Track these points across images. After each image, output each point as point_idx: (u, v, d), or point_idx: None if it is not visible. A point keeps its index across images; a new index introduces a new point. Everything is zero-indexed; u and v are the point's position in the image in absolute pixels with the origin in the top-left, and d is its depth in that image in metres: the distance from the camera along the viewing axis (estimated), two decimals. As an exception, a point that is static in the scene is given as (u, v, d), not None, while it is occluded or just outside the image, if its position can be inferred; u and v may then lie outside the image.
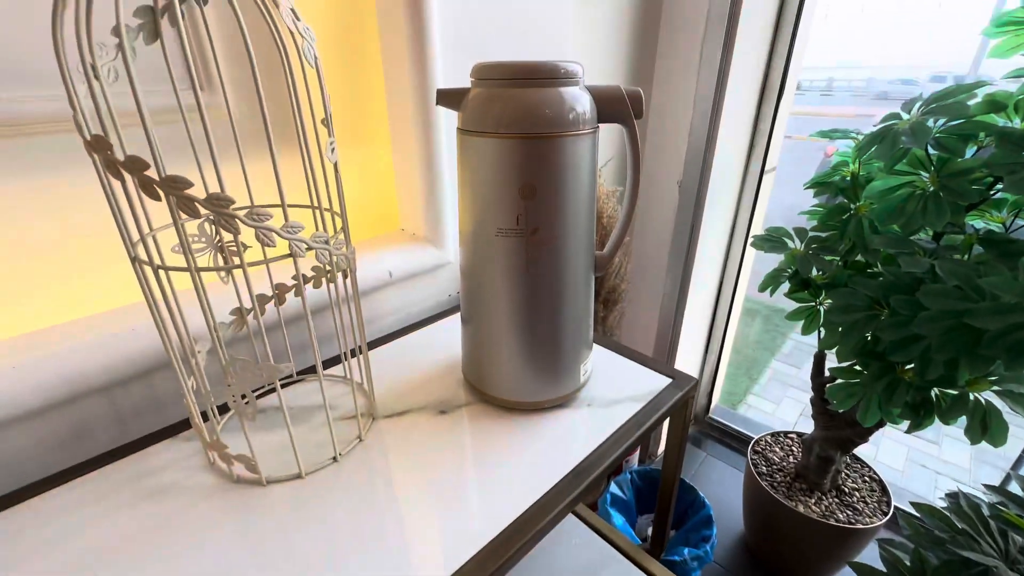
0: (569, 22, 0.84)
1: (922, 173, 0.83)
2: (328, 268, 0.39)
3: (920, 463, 1.76)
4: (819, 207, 1.03)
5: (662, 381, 0.52)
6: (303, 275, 0.42)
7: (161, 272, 0.34)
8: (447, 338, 0.61)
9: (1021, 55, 0.75)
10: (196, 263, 0.32)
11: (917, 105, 0.81)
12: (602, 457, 0.42)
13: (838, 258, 0.99)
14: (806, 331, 1.05)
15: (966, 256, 0.82)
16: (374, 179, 0.69)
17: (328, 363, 0.56)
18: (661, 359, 1.42)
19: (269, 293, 0.46)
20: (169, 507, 0.39)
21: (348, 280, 0.42)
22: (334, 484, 0.41)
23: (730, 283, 1.53)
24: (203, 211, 0.29)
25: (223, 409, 0.50)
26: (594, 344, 0.58)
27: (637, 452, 1.38)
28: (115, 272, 0.51)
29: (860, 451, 1.87)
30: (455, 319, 0.65)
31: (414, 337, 0.62)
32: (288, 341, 0.49)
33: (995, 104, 0.75)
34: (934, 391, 0.84)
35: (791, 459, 1.27)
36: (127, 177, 0.28)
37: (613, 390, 0.50)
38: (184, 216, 0.30)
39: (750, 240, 1.35)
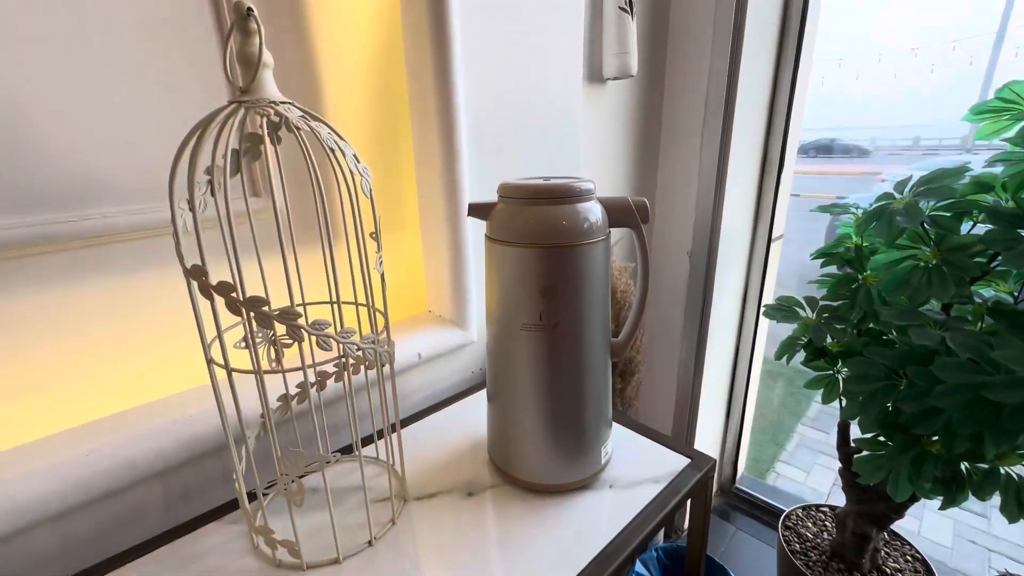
0: (580, 118, 0.94)
1: (923, 247, 0.87)
2: (370, 360, 0.43)
3: (969, 539, 1.65)
4: (828, 276, 1.07)
5: (681, 461, 0.53)
6: (346, 363, 0.46)
7: (228, 373, 0.39)
8: (471, 416, 0.64)
9: (1009, 141, 0.80)
10: (260, 366, 0.37)
11: (908, 186, 0.86)
12: (626, 541, 0.44)
13: (851, 327, 1.01)
14: (826, 400, 1.05)
15: (979, 326, 0.84)
16: (404, 264, 0.75)
17: (362, 441, 0.59)
18: (681, 428, 1.41)
19: (312, 380, 0.50)
20: (214, 592, 0.41)
21: (385, 368, 0.47)
22: (369, 568, 0.43)
23: (746, 348, 1.54)
24: (275, 323, 0.34)
25: (265, 491, 0.53)
26: (613, 423, 0.61)
27: (663, 528, 1.33)
28: (172, 363, 0.56)
29: (902, 525, 1.76)
30: (478, 396, 0.68)
31: (441, 416, 0.65)
32: (325, 421, 0.53)
33: (982, 185, 0.80)
34: (964, 465, 0.82)
35: (825, 535, 1.21)
36: (216, 298, 0.33)
37: (634, 471, 0.52)
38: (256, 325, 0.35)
39: (762, 310, 1.37)
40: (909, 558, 1.14)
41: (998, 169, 0.81)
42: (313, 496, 0.51)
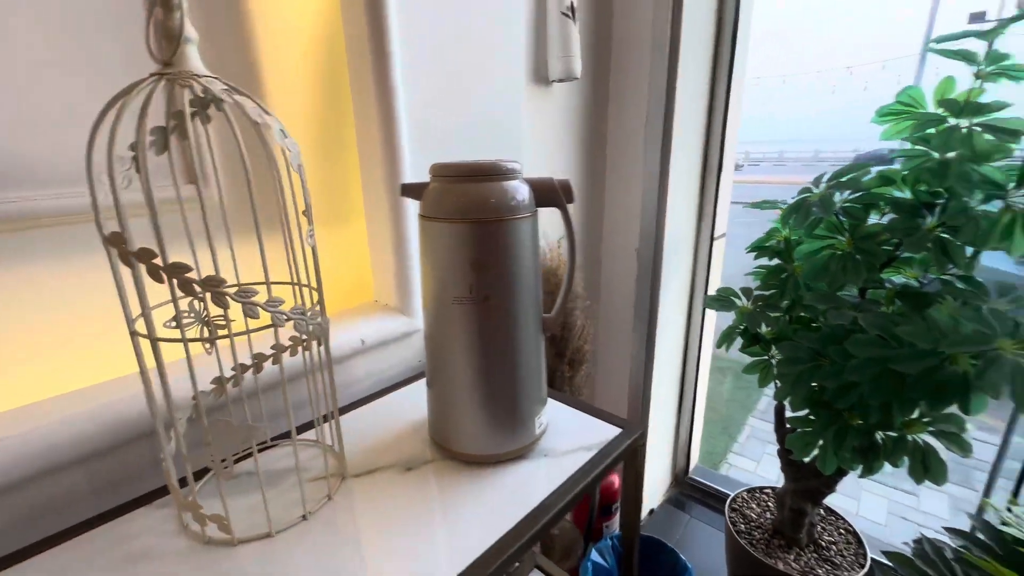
0: (523, 119, 0.97)
1: (839, 237, 0.94)
2: (304, 337, 0.44)
3: (900, 515, 1.77)
4: (761, 268, 1.14)
5: (613, 431, 0.56)
6: (281, 344, 0.47)
7: (151, 344, 0.39)
8: (416, 401, 0.65)
9: (903, 139, 0.89)
10: (186, 336, 0.37)
11: (824, 180, 0.94)
12: (555, 501, 0.46)
13: (782, 314, 1.08)
14: (762, 383, 1.11)
15: (890, 308, 0.92)
16: (351, 254, 0.76)
17: (303, 428, 0.59)
18: (634, 419, 1.45)
19: (249, 363, 0.51)
20: (144, 571, 0.41)
21: (322, 348, 0.47)
22: (302, 541, 0.43)
23: (695, 342, 1.61)
24: (198, 290, 0.35)
25: (198, 477, 0.52)
26: (550, 399, 0.63)
27: (617, 516, 1.37)
28: (93, 350, 0.55)
29: (838, 505, 1.87)
30: (423, 382, 0.69)
31: (385, 400, 0.65)
32: (264, 408, 0.53)
33: (886, 179, 0.88)
34: (879, 435, 0.89)
35: (768, 515, 1.28)
36: (138, 265, 0.34)
37: (568, 441, 0.55)
38: (180, 294, 0.35)
39: (704, 301, 1.44)
40: (842, 531, 1.21)
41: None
42: (249, 480, 0.51)
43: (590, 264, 1.36)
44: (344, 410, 0.63)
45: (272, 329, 0.44)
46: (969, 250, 0.84)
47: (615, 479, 1.33)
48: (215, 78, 0.37)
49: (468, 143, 0.78)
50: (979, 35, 0.76)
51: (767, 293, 1.10)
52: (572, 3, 1.03)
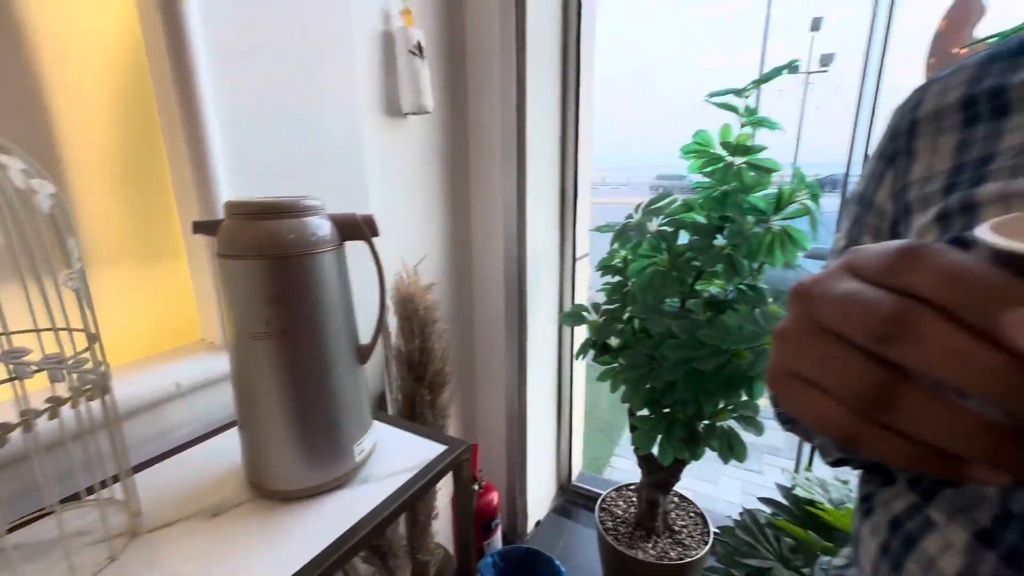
0: (372, 150, 1.00)
1: (659, 255, 1.09)
2: (85, 388, 0.41)
3: (752, 494, 2.02)
4: (607, 285, 1.27)
5: (438, 449, 0.59)
6: (58, 397, 0.43)
7: None
8: (236, 443, 0.62)
9: (703, 173, 1.05)
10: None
11: (641, 207, 1.08)
12: (371, 520, 0.47)
13: (624, 325, 1.20)
14: (612, 389, 1.22)
15: (704, 315, 1.07)
16: (177, 292, 0.72)
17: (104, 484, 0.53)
18: (513, 435, 1.51)
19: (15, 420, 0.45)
20: None
21: (107, 398, 0.44)
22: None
23: (567, 355, 1.72)
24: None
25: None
26: (379, 424, 0.65)
27: (499, 532, 1.40)
28: None
29: (698, 490, 2.08)
30: None
31: (207, 445, 0.62)
32: (45, 469, 0.48)
33: (688, 206, 1.04)
34: (699, 426, 1.03)
35: (632, 510, 1.39)
36: None
37: (392, 464, 0.57)
38: None
39: (559, 317, 1.55)
40: (692, 514, 1.36)
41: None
42: (27, 550, 0.45)
43: (462, 288, 1.41)
44: (155, 460, 0.59)
45: (18, 383, 0.41)
46: (756, 264, 1.01)
47: (494, 496, 1.36)
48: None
49: (300, 176, 0.78)
50: (737, 92, 0.94)
51: (612, 307, 1.23)
52: (419, 42, 1.09)
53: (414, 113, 1.14)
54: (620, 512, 1.38)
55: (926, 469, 0.15)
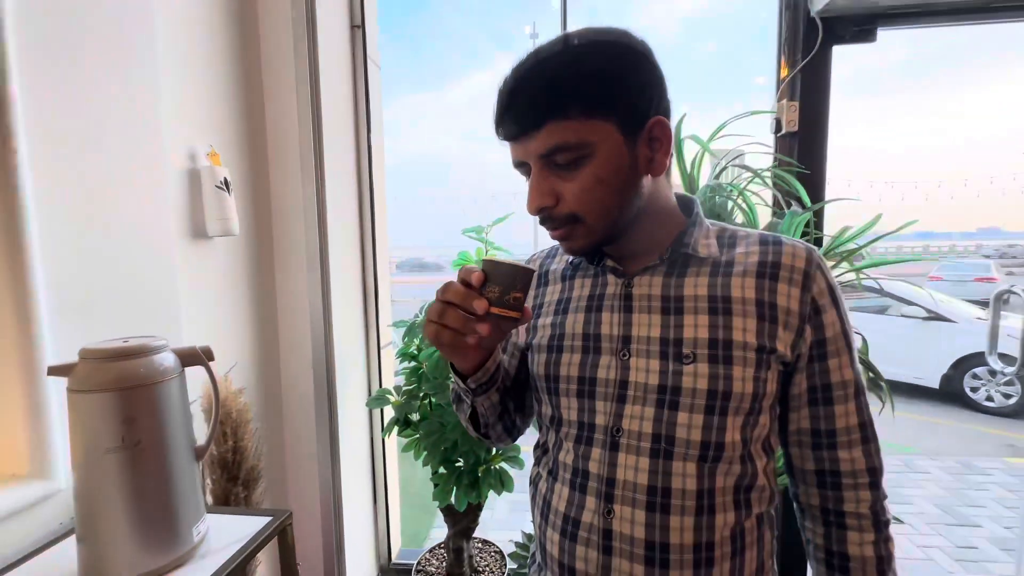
0: (183, 272, 1.12)
1: (442, 344, 1.43)
2: None
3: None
4: (405, 368, 1.55)
5: (262, 521, 0.76)
6: None
7: None
8: (62, 559, 0.67)
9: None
10: None
11: (423, 308, 1.43)
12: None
13: (420, 401, 1.49)
14: (416, 457, 1.47)
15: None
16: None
17: None
18: (328, 520, 1.59)
19: None
20: None
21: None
22: None
23: (379, 436, 1.90)
24: None
25: None
26: (213, 514, 0.78)
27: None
28: None
29: (500, 535, 2.38)
30: (69, 541, 0.70)
31: (20, 570, 0.65)
32: None
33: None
34: (480, 471, 1.35)
35: (444, 564, 1.60)
36: None
37: (225, 539, 0.71)
38: None
39: (366, 402, 1.77)
40: (492, 553, 1.64)
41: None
42: None
43: (271, 389, 1.51)
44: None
45: None
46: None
47: (312, 586, 1.41)
48: None
49: (117, 303, 0.88)
50: (477, 231, 1.38)
51: (411, 388, 1.50)
52: (225, 178, 1.28)
53: (221, 235, 1.29)
54: (434, 570, 1.58)
55: (448, 339, 0.50)
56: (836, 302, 0.57)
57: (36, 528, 0.73)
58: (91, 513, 0.61)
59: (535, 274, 0.55)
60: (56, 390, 0.73)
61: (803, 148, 1.61)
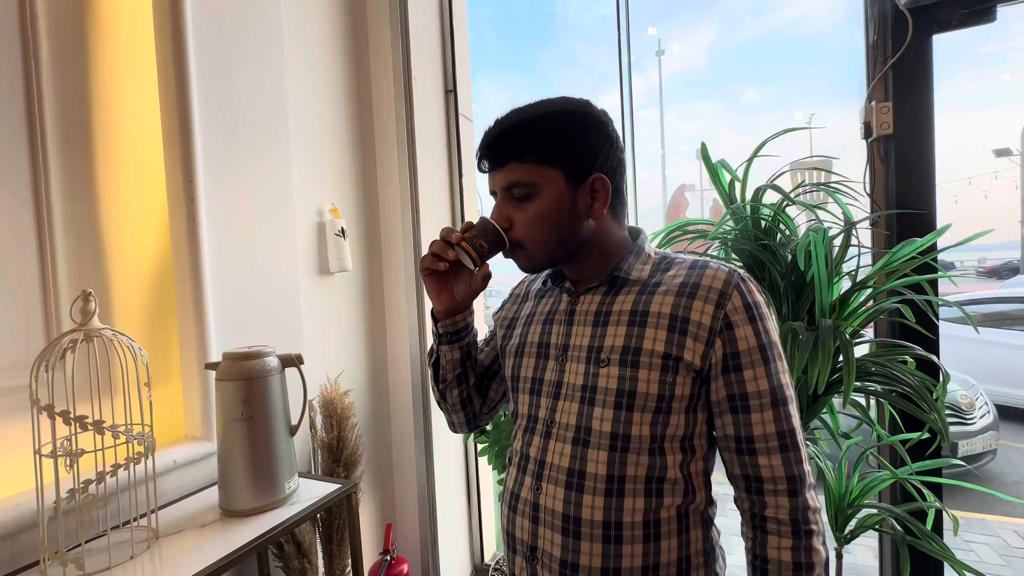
0: (307, 299, 1.49)
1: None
2: (139, 451, 0.82)
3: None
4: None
5: (336, 487, 1.01)
6: (133, 457, 0.84)
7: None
8: (213, 497, 1.00)
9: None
10: (38, 446, 0.74)
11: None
12: (286, 521, 0.88)
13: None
14: (489, 462, 1.64)
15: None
16: (171, 404, 1.12)
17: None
18: (424, 514, 1.84)
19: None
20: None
21: (149, 461, 0.85)
22: (133, 570, 0.76)
23: (471, 445, 2.12)
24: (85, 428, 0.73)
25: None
26: (307, 478, 1.06)
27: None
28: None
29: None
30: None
31: (197, 497, 1.00)
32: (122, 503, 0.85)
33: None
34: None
35: (518, 566, 1.72)
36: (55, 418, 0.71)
37: (308, 495, 0.97)
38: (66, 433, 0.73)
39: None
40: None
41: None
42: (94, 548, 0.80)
43: (380, 393, 1.84)
44: (167, 504, 0.96)
45: (112, 450, 0.82)
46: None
47: (404, 567, 1.66)
48: (106, 327, 0.79)
49: (259, 322, 1.25)
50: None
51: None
52: (343, 227, 1.65)
53: (340, 271, 1.66)
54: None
55: (428, 263, 0.70)
56: (753, 319, 0.62)
57: (202, 474, 1.08)
58: (224, 463, 0.92)
59: (504, 247, 0.68)
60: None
61: (901, 152, 1.45)
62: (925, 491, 1.10)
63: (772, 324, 0.64)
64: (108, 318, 1.03)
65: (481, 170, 0.72)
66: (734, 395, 0.62)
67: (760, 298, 0.64)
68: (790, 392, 0.62)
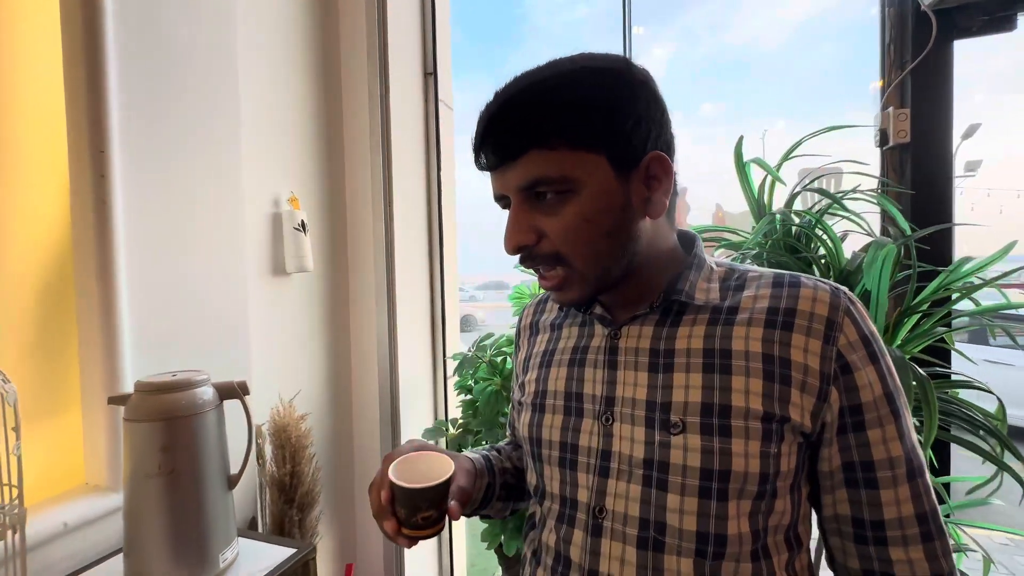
0: (255, 305, 1.24)
1: (495, 378, 1.41)
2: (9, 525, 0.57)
3: None
4: (463, 402, 1.54)
5: (287, 552, 0.78)
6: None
7: None
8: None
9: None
10: None
11: (475, 344, 1.42)
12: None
13: (475, 435, 1.47)
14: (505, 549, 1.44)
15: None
16: (63, 442, 0.86)
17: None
18: (390, 553, 1.62)
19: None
20: None
21: (17, 536, 0.60)
22: None
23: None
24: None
25: None
26: (245, 539, 0.82)
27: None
28: None
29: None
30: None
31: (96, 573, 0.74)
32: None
33: (509, 340, 1.40)
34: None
35: (499, 610, 1.53)
36: None
37: (250, 568, 0.74)
38: None
39: (420, 433, 1.77)
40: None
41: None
42: None
43: (342, 416, 1.60)
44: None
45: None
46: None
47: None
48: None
49: (192, 333, 0.99)
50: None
51: (466, 421, 1.50)
52: (303, 220, 1.41)
53: (298, 271, 1.42)
54: (488, 614, 1.52)
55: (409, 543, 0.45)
56: (874, 356, 0.45)
57: (107, 536, 0.82)
58: (133, 531, 0.68)
59: (450, 484, 0.48)
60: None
61: (917, 162, 1.36)
62: None
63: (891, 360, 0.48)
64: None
65: (481, 167, 0.51)
66: (853, 463, 0.45)
67: (873, 325, 0.48)
68: (922, 455, 0.46)
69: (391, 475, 0.48)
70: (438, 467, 0.49)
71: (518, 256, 0.52)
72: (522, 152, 0.47)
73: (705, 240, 1.23)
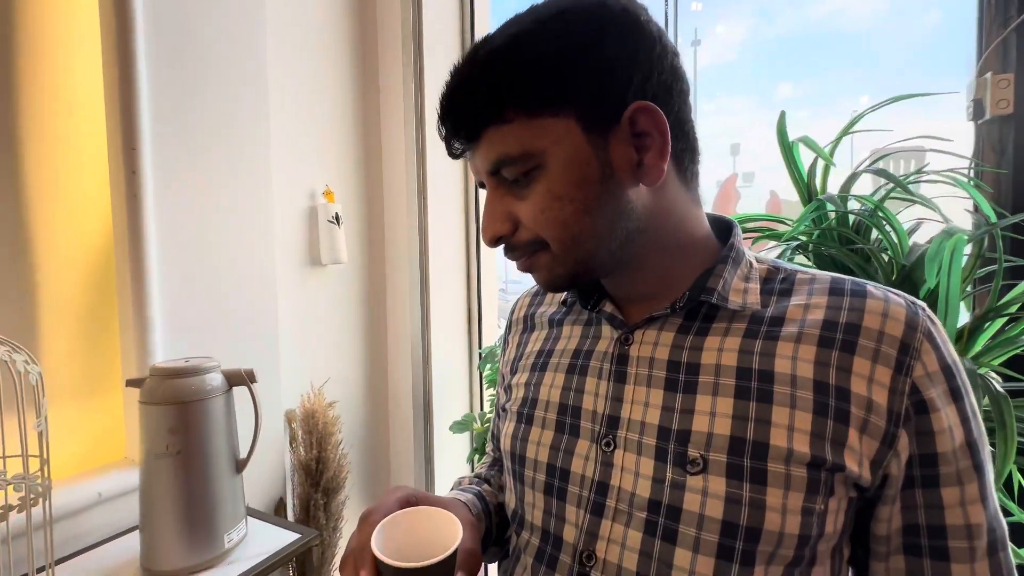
0: (286, 295, 1.29)
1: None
2: (33, 497, 0.63)
3: None
4: (492, 396, 1.52)
5: (292, 537, 0.80)
6: (9, 504, 0.64)
7: None
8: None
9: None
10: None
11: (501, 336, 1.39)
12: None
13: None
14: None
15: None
16: (111, 418, 0.94)
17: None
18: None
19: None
20: None
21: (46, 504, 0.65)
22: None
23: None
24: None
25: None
26: (256, 519, 0.85)
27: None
28: None
29: None
30: None
31: (122, 540, 0.81)
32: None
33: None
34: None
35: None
36: None
37: (255, 550, 0.76)
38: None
39: (448, 426, 1.77)
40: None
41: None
42: None
43: (378, 404, 1.64)
44: (76, 554, 0.77)
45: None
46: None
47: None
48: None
49: (223, 320, 1.05)
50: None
51: (493, 415, 1.47)
52: (336, 214, 1.44)
53: (333, 263, 1.46)
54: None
55: None
56: (957, 394, 0.36)
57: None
58: (146, 507, 0.72)
59: (456, 555, 0.36)
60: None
61: (1021, 137, 1.14)
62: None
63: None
64: (37, 319, 0.84)
65: (452, 154, 0.44)
66: (918, 527, 0.36)
67: (955, 353, 0.38)
68: (1004, 524, 0.36)
69: (375, 548, 0.35)
70: (435, 529, 0.37)
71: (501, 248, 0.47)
72: (479, 133, 0.41)
73: (749, 231, 1.11)
